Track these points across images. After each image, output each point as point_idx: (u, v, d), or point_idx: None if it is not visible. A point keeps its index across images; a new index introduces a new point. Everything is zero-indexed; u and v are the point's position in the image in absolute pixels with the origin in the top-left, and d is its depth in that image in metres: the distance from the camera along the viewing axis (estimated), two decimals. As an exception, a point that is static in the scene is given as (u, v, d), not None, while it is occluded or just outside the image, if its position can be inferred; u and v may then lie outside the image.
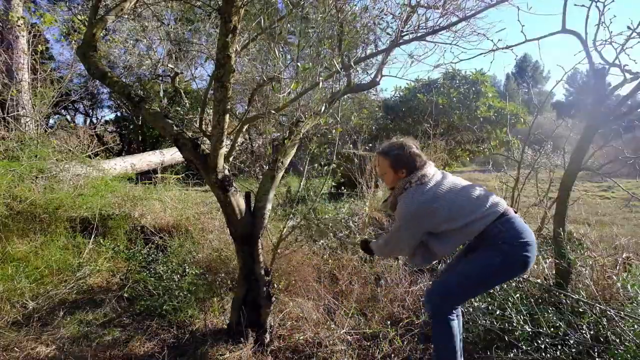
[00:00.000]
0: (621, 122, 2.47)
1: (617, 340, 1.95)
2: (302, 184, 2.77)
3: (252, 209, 2.31)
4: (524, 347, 2.04)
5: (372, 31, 2.32)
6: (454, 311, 1.82)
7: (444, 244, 1.82)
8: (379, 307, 2.65)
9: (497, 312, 2.22)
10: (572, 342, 2.00)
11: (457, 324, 1.82)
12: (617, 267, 2.55)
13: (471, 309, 2.31)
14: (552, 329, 2.08)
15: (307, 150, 2.96)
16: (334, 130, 2.37)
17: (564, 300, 2.25)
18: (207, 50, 2.71)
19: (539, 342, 2.05)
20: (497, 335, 2.16)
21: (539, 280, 2.48)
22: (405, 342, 2.28)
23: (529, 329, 2.06)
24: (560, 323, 2.08)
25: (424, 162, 1.92)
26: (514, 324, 2.09)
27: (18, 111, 5.47)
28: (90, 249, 3.44)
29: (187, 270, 2.95)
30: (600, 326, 2.04)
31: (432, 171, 1.89)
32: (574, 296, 2.21)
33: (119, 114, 11.87)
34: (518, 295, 2.29)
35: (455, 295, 1.83)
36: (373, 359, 2.19)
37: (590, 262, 2.48)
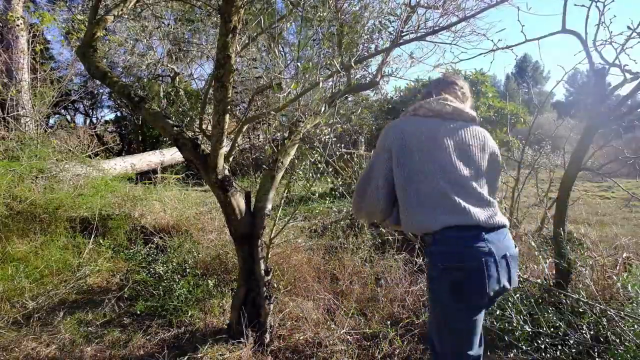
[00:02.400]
0: (621, 122, 2.47)
1: (617, 340, 1.95)
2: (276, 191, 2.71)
3: (252, 209, 2.31)
4: (524, 347, 2.04)
5: (372, 32, 2.32)
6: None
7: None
8: (379, 307, 2.65)
9: (497, 312, 2.22)
10: (572, 342, 2.00)
11: None
12: (617, 267, 2.55)
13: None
14: (552, 329, 2.08)
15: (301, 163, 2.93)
16: (325, 130, 2.36)
17: (564, 300, 2.25)
18: (207, 50, 2.72)
19: (539, 342, 2.05)
20: (497, 335, 2.16)
21: (539, 280, 2.48)
22: (405, 342, 2.28)
23: (529, 329, 2.06)
24: (560, 323, 2.08)
25: (439, 93, 1.50)
26: (514, 324, 2.09)
27: (18, 111, 5.47)
28: (90, 249, 3.44)
29: (187, 270, 2.95)
30: (600, 326, 2.05)
31: (440, 108, 1.44)
32: (574, 296, 2.21)
33: (119, 114, 11.87)
34: (518, 295, 2.29)
35: (439, 346, 1.41)
36: (373, 359, 2.19)
37: (590, 262, 2.48)
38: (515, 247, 1.42)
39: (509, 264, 1.34)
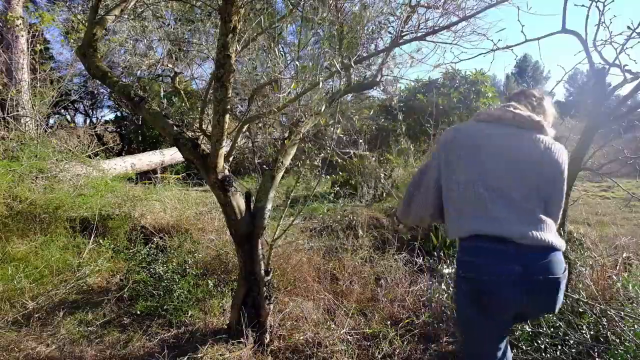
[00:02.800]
0: (621, 122, 2.47)
1: (617, 340, 1.95)
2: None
3: (252, 209, 2.31)
4: (524, 347, 2.04)
5: (372, 32, 2.32)
6: None
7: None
8: (379, 307, 2.65)
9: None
10: (572, 342, 2.00)
11: None
12: (617, 267, 2.55)
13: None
14: (552, 329, 2.08)
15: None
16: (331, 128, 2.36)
17: (564, 300, 2.25)
18: (207, 50, 2.72)
19: (539, 342, 2.05)
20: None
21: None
22: (405, 342, 2.28)
23: (529, 329, 2.06)
24: (560, 323, 2.08)
25: (511, 102, 1.42)
26: (514, 324, 2.09)
27: (18, 111, 5.47)
28: (90, 249, 3.43)
29: (187, 270, 2.95)
30: (600, 326, 2.05)
31: (500, 114, 1.37)
32: (574, 296, 2.21)
33: (119, 114, 11.85)
34: None
35: (463, 350, 1.45)
36: (373, 359, 2.19)
37: (590, 262, 2.48)
38: (565, 271, 1.28)
39: (543, 289, 1.24)
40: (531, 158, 1.31)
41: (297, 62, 2.00)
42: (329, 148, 2.32)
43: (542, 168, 1.32)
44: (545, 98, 1.50)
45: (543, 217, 1.29)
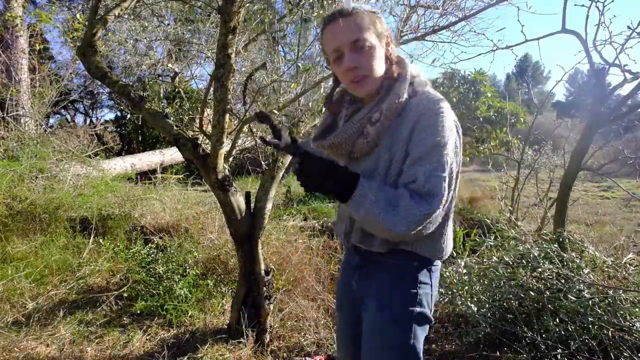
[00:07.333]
0: (621, 122, 2.47)
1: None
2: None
3: (252, 209, 2.31)
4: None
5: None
6: None
7: None
8: (379, 307, 2.65)
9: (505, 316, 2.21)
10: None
11: None
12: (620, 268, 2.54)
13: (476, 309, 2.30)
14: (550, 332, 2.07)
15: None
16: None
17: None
18: (207, 50, 2.72)
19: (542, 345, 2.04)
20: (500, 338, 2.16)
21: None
22: (405, 342, 2.27)
23: (528, 333, 2.05)
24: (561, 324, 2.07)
25: None
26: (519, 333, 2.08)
27: (18, 111, 5.46)
28: (90, 249, 3.43)
29: (187, 270, 2.95)
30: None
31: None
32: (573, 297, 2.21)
33: (119, 113, 11.85)
34: (517, 302, 2.27)
35: None
36: (373, 359, 2.19)
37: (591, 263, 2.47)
38: None
39: None
40: None
41: (299, 64, 2.00)
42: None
43: None
44: None
45: None
